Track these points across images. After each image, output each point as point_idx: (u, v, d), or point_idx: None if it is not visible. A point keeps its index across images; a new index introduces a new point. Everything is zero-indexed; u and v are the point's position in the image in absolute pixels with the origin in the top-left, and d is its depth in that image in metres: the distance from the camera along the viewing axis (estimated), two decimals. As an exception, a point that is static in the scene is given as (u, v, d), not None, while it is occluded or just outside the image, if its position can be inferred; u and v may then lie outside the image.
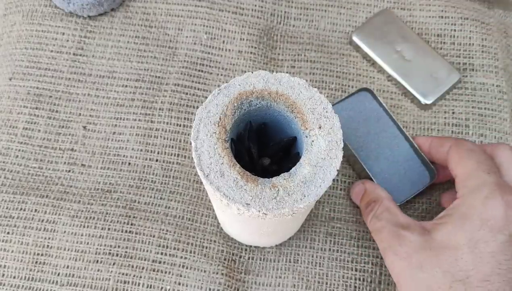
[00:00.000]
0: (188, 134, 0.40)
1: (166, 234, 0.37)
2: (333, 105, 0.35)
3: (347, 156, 0.38)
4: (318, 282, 0.36)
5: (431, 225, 0.31)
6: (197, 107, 0.41)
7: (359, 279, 0.36)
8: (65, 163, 0.39)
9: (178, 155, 0.40)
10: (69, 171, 0.39)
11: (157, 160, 0.39)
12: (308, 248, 0.37)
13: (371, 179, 0.37)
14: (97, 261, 0.36)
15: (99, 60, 0.42)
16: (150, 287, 0.35)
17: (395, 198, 0.35)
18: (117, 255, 0.36)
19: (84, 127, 0.40)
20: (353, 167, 0.39)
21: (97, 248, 0.36)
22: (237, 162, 0.27)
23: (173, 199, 0.38)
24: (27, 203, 0.37)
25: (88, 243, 0.36)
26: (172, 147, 0.40)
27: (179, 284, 0.35)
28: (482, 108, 0.41)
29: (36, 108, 0.41)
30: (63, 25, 0.43)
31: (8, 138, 0.40)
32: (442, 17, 0.44)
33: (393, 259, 0.31)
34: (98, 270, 0.36)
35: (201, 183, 0.39)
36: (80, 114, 0.41)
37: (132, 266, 0.36)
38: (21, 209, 0.37)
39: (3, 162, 0.39)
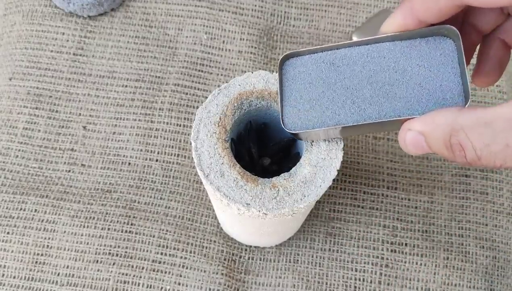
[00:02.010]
0: (188, 134, 0.40)
1: (166, 234, 0.37)
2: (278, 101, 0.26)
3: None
4: (318, 282, 0.36)
5: None
6: (197, 107, 0.41)
7: (359, 279, 0.36)
8: (65, 163, 0.39)
9: (178, 155, 0.40)
10: (69, 171, 0.39)
11: (157, 160, 0.39)
12: (308, 248, 0.37)
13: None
14: (97, 261, 0.36)
15: (99, 60, 0.42)
16: (150, 287, 0.35)
17: (456, 100, 0.24)
18: (117, 255, 0.36)
19: (84, 127, 0.40)
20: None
21: (97, 248, 0.36)
22: (237, 162, 0.27)
23: (173, 199, 0.38)
24: (27, 203, 0.37)
25: (88, 243, 0.36)
26: (172, 147, 0.40)
27: (179, 284, 0.35)
28: (482, 108, 0.41)
29: (36, 108, 0.41)
30: (63, 25, 0.43)
31: (8, 138, 0.40)
32: (442, 17, 0.44)
33: None
34: (98, 270, 0.36)
35: (201, 183, 0.39)
36: (80, 114, 0.41)
37: (132, 266, 0.36)
38: (21, 209, 0.37)
39: (3, 162, 0.39)
